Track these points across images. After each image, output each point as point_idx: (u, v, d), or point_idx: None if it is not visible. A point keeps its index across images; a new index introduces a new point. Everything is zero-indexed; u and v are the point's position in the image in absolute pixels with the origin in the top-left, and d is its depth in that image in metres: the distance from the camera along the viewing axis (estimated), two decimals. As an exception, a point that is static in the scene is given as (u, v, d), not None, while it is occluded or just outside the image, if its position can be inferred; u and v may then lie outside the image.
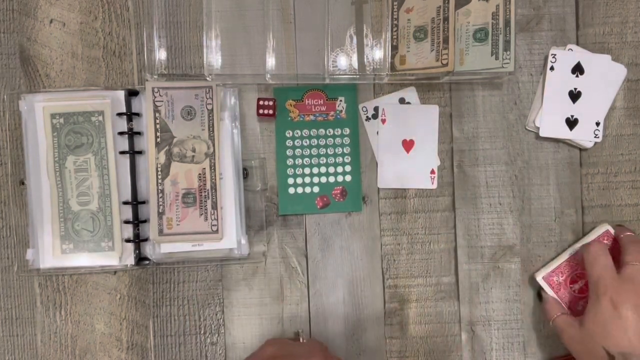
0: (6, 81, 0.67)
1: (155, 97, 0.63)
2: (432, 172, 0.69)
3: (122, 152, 0.66)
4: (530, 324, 0.69)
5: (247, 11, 0.67)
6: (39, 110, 0.64)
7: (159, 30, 0.67)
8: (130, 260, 0.66)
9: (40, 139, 0.65)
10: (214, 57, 0.66)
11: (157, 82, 0.65)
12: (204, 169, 0.64)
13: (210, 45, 0.66)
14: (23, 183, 0.66)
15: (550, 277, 0.67)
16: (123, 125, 0.66)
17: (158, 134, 0.64)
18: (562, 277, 0.67)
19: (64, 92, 0.66)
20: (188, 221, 0.64)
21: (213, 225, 0.65)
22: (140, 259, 0.66)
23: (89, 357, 0.67)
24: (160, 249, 0.65)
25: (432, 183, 0.69)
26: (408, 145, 0.69)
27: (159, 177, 0.64)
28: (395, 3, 0.66)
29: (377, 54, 0.67)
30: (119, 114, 0.65)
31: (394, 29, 0.66)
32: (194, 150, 0.64)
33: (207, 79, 0.66)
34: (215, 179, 0.65)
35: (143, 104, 0.66)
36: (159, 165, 0.64)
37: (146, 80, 0.66)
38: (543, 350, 0.69)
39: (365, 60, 0.68)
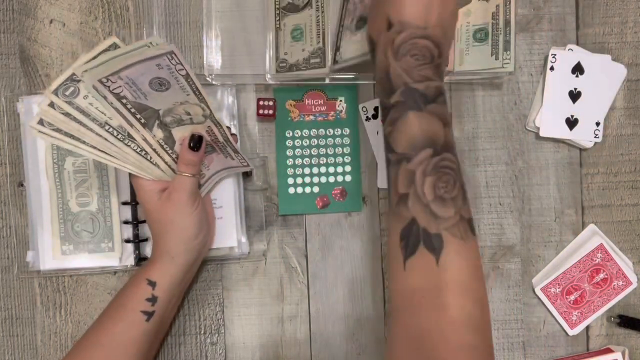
0: (6, 81, 0.67)
1: (109, 87, 0.51)
2: (432, 172, 0.68)
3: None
4: (530, 324, 0.69)
5: (247, 11, 0.67)
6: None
7: (159, 30, 0.67)
8: (130, 260, 0.66)
9: (38, 140, 0.65)
10: (214, 57, 0.66)
11: (94, 71, 0.51)
12: (209, 126, 0.58)
13: (210, 45, 0.66)
14: (22, 185, 0.66)
15: (548, 288, 0.68)
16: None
17: (138, 115, 0.55)
18: (559, 288, 0.68)
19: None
20: (216, 163, 0.62)
21: (242, 160, 0.62)
22: (140, 259, 0.66)
23: (89, 357, 0.67)
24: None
25: (432, 183, 0.68)
26: (408, 145, 0.68)
27: (168, 151, 0.58)
28: (395, 3, 0.66)
29: (377, 54, 0.67)
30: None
31: (394, 29, 0.66)
32: (188, 114, 0.57)
33: (207, 79, 0.66)
34: (225, 133, 0.59)
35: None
36: (160, 141, 0.57)
37: (75, 79, 0.54)
38: (543, 350, 0.69)
39: (365, 60, 0.67)
